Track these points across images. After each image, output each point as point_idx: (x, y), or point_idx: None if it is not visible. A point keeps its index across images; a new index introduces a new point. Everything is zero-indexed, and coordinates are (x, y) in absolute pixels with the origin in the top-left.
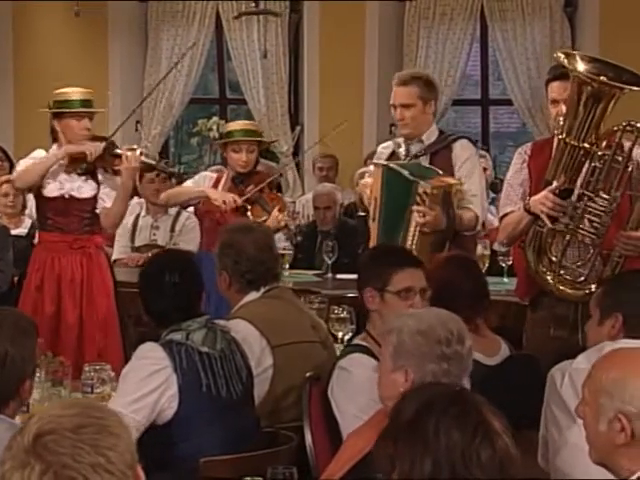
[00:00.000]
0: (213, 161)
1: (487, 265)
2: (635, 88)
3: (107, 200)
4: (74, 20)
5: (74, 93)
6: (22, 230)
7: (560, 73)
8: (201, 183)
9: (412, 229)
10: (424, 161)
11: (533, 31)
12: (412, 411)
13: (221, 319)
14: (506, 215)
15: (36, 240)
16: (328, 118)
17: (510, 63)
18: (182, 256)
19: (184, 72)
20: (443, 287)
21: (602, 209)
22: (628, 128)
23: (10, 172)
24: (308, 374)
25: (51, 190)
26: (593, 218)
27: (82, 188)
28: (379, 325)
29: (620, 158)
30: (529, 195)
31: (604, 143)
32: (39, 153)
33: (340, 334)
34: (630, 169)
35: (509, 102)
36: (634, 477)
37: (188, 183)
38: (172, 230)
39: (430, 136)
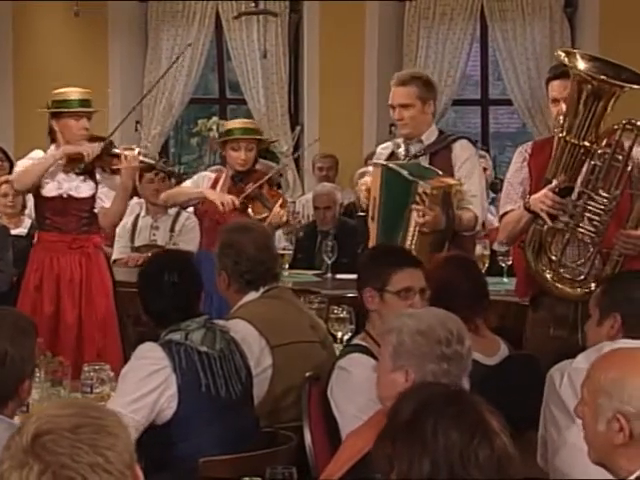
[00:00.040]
0: (213, 161)
1: (487, 265)
2: (635, 86)
3: (105, 200)
4: (74, 20)
5: (72, 93)
6: (22, 230)
7: (560, 72)
8: (200, 183)
9: (411, 229)
10: (424, 161)
11: (533, 31)
12: (410, 411)
13: (221, 319)
14: (506, 214)
15: (35, 240)
16: (328, 118)
17: (510, 63)
18: (181, 256)
19: (184, 72)
20: (442, 287)
21: (602, 207)
22: (628, 127)
23: (10, 172)
24: (307, 374)
25: (49, 190)
26: (593, 216)
27: (80, 188)
28: (378, 325)
29: (620, 156)
30: (529, 194)
31: (604, 141)
32: (37, 154)
33: (339, 334)
34: (630, 167)
35: (509, 102)
36: (633, 477)
37: (187, 183)
38: (172, 230)
39: (430, 136)
